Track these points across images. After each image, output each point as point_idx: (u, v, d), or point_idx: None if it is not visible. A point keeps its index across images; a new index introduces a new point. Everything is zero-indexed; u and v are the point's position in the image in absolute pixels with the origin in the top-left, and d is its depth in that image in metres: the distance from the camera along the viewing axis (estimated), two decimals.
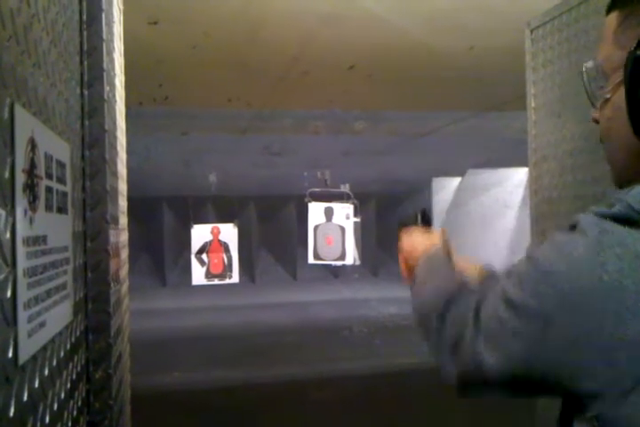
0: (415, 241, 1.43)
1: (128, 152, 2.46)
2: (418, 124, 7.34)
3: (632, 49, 0.83)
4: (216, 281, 7.50)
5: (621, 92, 0.87)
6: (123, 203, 2.16)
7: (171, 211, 12.37)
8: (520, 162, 8.35)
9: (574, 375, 0.75)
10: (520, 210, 9.38)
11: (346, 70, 4.83)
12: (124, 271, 2.08)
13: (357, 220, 8.69)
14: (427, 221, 1.54)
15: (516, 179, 9.92)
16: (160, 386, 5.63)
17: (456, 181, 12.40)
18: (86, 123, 1.46)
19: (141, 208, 10.26)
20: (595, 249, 0.74)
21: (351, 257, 8.43)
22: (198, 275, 7.42)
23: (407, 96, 5.80)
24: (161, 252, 12.49)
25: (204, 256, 7.51)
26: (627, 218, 0.75)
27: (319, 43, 4.16)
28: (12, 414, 0.75)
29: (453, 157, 9.66)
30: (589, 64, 0.96)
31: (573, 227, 0.81)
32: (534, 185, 2.79)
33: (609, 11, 0.94)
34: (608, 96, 0.91)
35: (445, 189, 12.73)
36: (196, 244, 7.49)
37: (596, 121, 0.98)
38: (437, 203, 13.05)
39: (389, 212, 13.62)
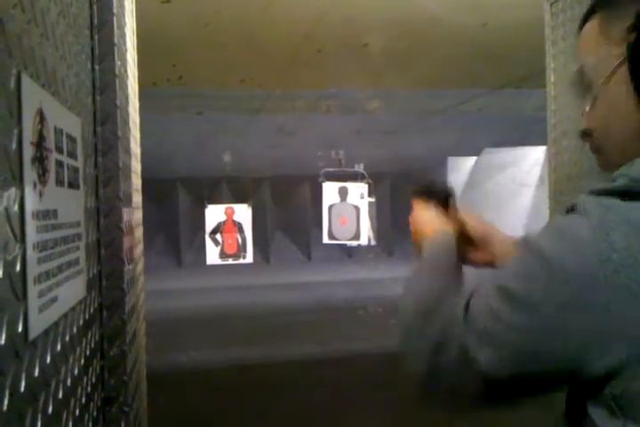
0: (426, 218, 1.31)
1: (142, 133, 2.45)
2: (432, 103, 7.26)
3: (631, 27, 0.82)
4: (230, 261, 7.53)
5: (614, 87, 0.87)
6: (136, 181, 2.15)
7: (185, 191, 12.39)
8: (537, 140, 8.27)
9: (585, 356, 0.72)
10: (537, 189, 9.30)
11: (359, 48, 4.77)
12: (138, 250, 2.07)
13: (372, 199, 8.67)
14: (446, 195, 1.38)
15: (533, 158, 9.82)
16: (176, 364, 5.68)
17: (471, 160, 12.30)
18: (97, 98, 1.44)
19: (156, 189, 10.29)
20: (601, 230, 0.72)
21: (366, 237, 8.43)
22: (212, 255, 7.45)
23: (421, 74, 5.73)
24: (176, 232, 12.54)
25: (218, 236, 7.53)
26: (629, 191, 0.74)
27: (332, 20, 4.11)
28: (22, 389, 0.74)
29: (468, 136, 9.57)
30: (576, 69, 0.97)
31: (571, 209, 0.79)
32: (553, 162, 2.74)
33: (584, 21, 0.94)
34: (599, 94, 0.91)
35: (461, 169, 12.64)
36: (210, 224, 7.51)
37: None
38: (452, 183, 12.96)
39: (404, 191, 13.56)
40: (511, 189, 10.21)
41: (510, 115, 7.96)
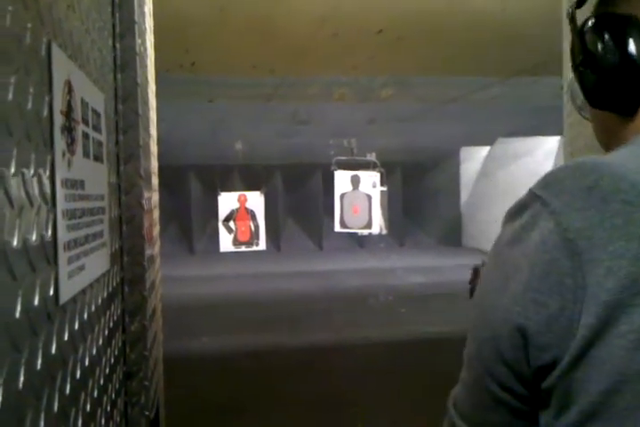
0: None
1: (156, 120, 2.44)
2: (446, 91, 7.21)
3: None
4: (243, 248, 7.56)
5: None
6: (154, 163, 2.16)
7: (198, 179, 12.42)
8: (552, 130, 8.20)
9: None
10: None
11: (374, 34, 4.75)
12: (156, 230, 2.09)
13: (384, 189, 8.65)
14: None
15: (547, 148, 9.76)
16: (189, 351, 5.72)
17: (485, 150, 12.23)
18: (119, 76, 1.44)
19: (169, 177, 10.29)
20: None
21: (377, 226, 8.43)
22: (226, 242, 7.48)
23: (436, 61, 5.69)
24: (189, 220, 12.58)
25: (232, 224, 7.56)
26: (522, 206, 0.71)
27: (348, 4, 4.09)
28: (53, 350, 0.75)
29: (482, 126, 9.51)
30: None
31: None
32: (569, 148, 2.72)
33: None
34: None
35: (474, 159, 12.59)
36: (223, 211, 7.54)
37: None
38: (465, 173, 12.92)
39: (416, 181, 13.52)
40: (524, 180, 10.17)
41: (525, 104, 7.90)
